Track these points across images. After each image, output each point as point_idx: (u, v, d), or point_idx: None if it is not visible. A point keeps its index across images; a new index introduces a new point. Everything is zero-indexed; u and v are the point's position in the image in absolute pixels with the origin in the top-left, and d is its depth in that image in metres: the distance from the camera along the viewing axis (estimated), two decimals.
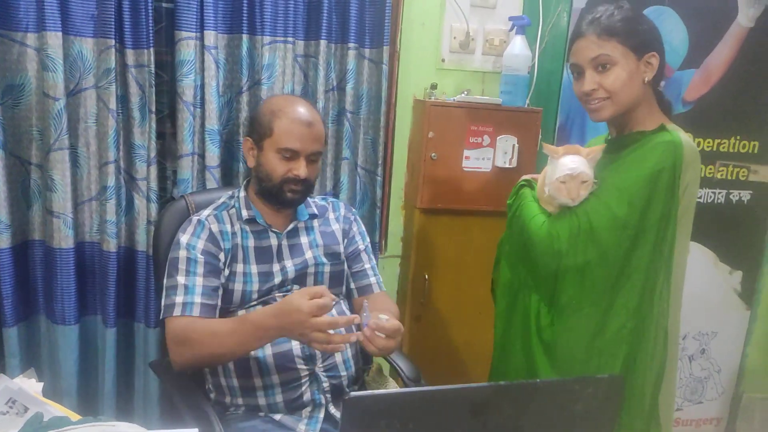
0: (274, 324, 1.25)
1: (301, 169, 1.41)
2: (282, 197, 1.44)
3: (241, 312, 1.41)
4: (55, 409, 1.05)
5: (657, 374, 1.32)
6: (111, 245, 1.76)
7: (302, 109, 1.44)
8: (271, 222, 1.49)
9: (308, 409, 1.38)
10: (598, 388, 0.81)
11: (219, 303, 1.40)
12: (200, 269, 1.38)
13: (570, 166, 1.27)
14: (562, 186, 1.28)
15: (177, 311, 1.35)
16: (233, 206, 1.50)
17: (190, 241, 1.40)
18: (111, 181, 1.73)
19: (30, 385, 1.09)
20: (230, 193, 1.55)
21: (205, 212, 1.48)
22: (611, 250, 1.26)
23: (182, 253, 1.39)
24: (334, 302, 1.25)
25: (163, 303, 1.39)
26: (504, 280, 1.46)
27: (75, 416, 1.04)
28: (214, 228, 1.43)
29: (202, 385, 1.41)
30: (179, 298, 1.36)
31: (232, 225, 1.46)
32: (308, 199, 1.56)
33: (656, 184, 1.24)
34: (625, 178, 1.28)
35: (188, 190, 1.79)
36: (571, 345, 1.33)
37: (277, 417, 1.37)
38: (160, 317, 1.40)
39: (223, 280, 1.41)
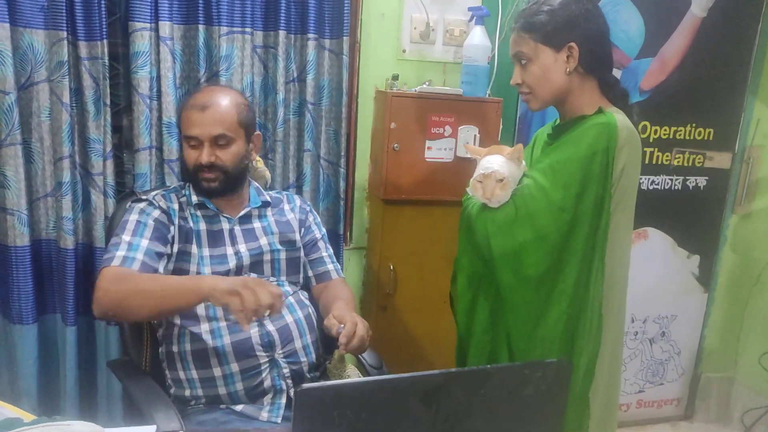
0: (216, 280, 1.26)
1: (203, 156, 1.42)
2: (199, 186, 1.46)
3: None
4: (7, 410, 1.03)
5: (588, 360, 1.31)
6: (68, 242, 1.73)
7: (202, 95, 1.45)
8: (223, 209, 1.50)
9: (269, 396, 1.38)
10: (546, 373, 0.83)
11: (161, 270, 1.39)
12: (148, 233, 1.39)
13: (486, 166, 1.28)
14: (479, 185, 1.29)
15: (115, 262, 1.33)
16: (184, 195, 1.50)
17: (145, 209, 1.42)
18: (66, 177, 1.70)
19: None
20: (181, 183, 1.57)
21: (152, 193, 1.49)
22: (550, 234, 1.25)
23: (133, 217, 1.41)
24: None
25: (103, 257, 1.38)
26: (462, 279, 1.42)
27: (29, 416, 1.02)
28: (163, 205, 1.45)
29: (161, 382, 1.40)
30: (120, 252, 1.35)
31: (182, 209, 1.47)
32: (261, 189, 1.58)
33: (590, 166, 1.23)
34: (559, 160, 1.27)
35: (147, 184, 1.77)
36: (515, 336, 1.32)
37: (239, 408, 1.37)
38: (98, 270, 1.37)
39: (170, 251, 1.41)
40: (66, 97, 1.66)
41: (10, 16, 1.57)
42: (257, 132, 1.55)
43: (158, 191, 1.51)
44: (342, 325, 1.30)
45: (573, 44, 1.28)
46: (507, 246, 1.28)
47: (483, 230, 1.30)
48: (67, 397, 1.80)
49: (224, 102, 1.43)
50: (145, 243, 1.36)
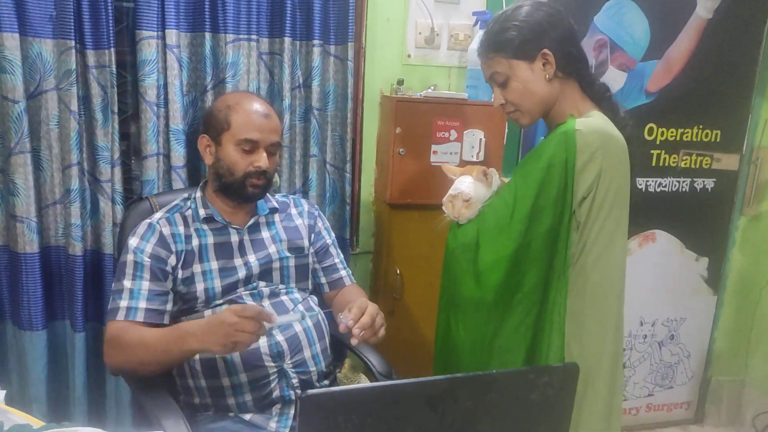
0: (200, 328, 1.22)
1: (262, 160, 1.42)
2: (244, 192, 1.44)
3: (207, 312, 1.41)
4: (17, 417, 1.04)
5: None
6: (77, 249, 1.74)
7: (258, 102, 1.47)
8: (231, 219, 1.49)
9: (278, 406, 1.38)
10: (552, 377, 0.83)
11: (168, 307, 1.38)
12: (147, 274, 1.37)
13: (455, 186, 1.36)
14: (449, 204, 1.36)
15: (120, 315, 1.34)
16: (189, 207, 1.49)
17: (138, 246, 1.39)
18: (75, 184, 1.71)
19: None
20: (186, 195, 1.55)
21: (157, 215, 1.47)
22: (508, 246, 1.25)
23: (129, 257, 1.38)
24: (268, 327, 1.22)
25: (108, 306, 1.39)
26: (443, 303, 1.42)
27: (38, 423, 1.03)
28: (165, 231, 1.42)
29: (171, 388, 1.40)
30: (124, 302, 1.35)
31: (186, 226, 1.45)
32: (267, 194, 1.57)
33: (546, 178, 1.22)
34: (521, 174, 1.28)
35: (154, 190, 1.78)
36: (474, 348, 1.31)
37: (247, 417, 1.37)
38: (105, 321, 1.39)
39: (173, 285, 1.40)
40: (74, 105, 1.67)
41: (19, 26, 1.59)
42: None
43: (162, 215, 1.47)
44: (346, 315, 1.25)
45: (546, 50, 1.26)
46: (467, 262, 1.30)
47: (452, 247, 1.34)
48: (77, 403, 1.81)
49: (275, 113, 1.49)
50: (146, 285, 1.36)
